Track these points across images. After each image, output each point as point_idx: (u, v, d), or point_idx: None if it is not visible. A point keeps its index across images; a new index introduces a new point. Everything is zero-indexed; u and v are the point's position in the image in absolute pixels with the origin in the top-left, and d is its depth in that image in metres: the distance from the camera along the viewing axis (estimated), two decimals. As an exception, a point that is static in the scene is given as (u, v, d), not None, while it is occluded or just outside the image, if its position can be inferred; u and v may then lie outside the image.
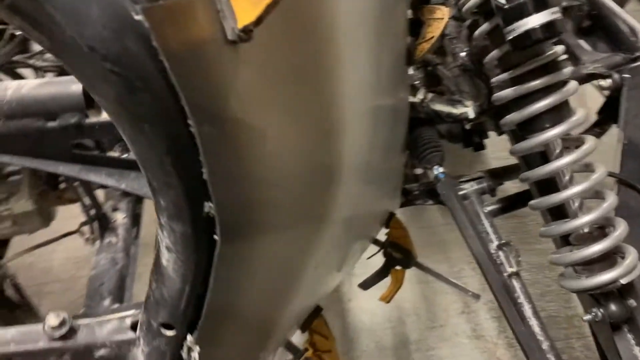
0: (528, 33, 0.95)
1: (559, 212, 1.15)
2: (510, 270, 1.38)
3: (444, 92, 1.54)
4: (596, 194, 1.12)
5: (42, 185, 1.64)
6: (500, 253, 1.41)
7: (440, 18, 1.28)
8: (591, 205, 1.12)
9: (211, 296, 0.46)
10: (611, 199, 1.09)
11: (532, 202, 1.16)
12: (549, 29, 0.95)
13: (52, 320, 0.61)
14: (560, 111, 1.07)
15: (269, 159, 0.49)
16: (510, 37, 0.98)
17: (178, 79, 0.36)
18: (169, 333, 0.52)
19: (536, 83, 1.05)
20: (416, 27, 1.30)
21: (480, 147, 1.67)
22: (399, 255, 1.58)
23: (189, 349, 0.50)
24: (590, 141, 1.09)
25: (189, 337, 0.49)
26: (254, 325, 0.71)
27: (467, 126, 1.47)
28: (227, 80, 0.42)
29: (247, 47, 0.45)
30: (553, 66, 1.04)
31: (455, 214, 1.38)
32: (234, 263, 0.47)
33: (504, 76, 1.09)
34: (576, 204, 1.10)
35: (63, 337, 0.61)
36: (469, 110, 1.40)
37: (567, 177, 1.10)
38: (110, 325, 0.61)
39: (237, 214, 0.44)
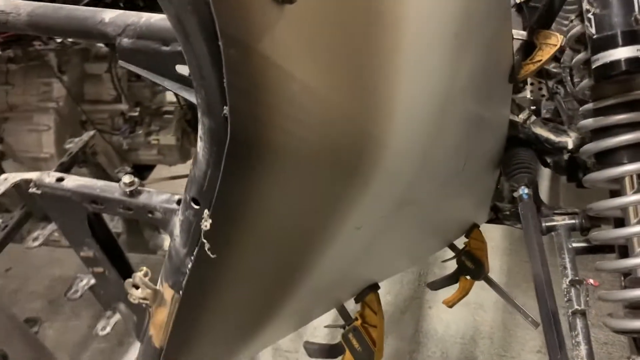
0: (611, 64, 0.99)
1: (621, 249, 1.15)
2: (577, 307, 1.38)
3: (553, 119, 1.57)
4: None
5: (187, 126, 1.96)
6: (572, 289, 1.41)
7: (554, 44, 1.33)
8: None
9: (220, 185, 0.63)
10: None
11: (595, 233, 1.17)
12: (633, 63, 0.97)
13: (126, 179, 0.84)
14: (638, 149, 1.08)
15: (291, 97, 0.64)
16: (594, 66, 1.02)
17: (217, 10, 0.53)
18: (195, 206, 0.70)
19: (618, 117, 1.07)
20: (530, 49, 1.36)
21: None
22: (471, 266, 1.63)
23: (204, 220, 0.68)
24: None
25: (206, 211, 0.67)
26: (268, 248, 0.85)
27: (566, 156, 1.49)
28: (263, 25, 0.58)
29: (293, 7, 0.61)
30: (637, 104, 1.05)
31: (526, 238, 1.40)
32: (239, 170, 0.63)
33: (589, 106, 1.12)
34: (637, 243, 1.10)
35: (130, 194, 0.83)
36: (569, 140, 1.42)
37: (635, 215, 1.11)
38: (163, 196, 0.82)
39: (247, 125, 0.60)
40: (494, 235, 2.42)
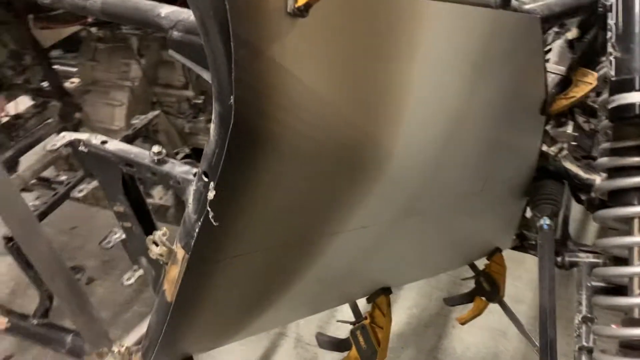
0: (626, 107, 1.03)
1: (620, 287, 1.17)
2: (584, 344, 1.41)
3: (591, 156, 1.58)
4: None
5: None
6: (584, 326, 1.43)
7: (589, 83, 1.36)
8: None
9: (224, 163, 0.75)
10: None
11: (596, 269, 1.20)
12: (647, 109, 1.01)
13: (155, 149, 0.98)
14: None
15: (296, 98, 0.75)
16: (610, 107, 1.06)
17: (232, 17, 0.64)
18: (205, 179, 0.82)
19: (632, 160, 1.10)
20: (567, 85, 1.40)
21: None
22: (487, 287, 1.67)
23: (210, 191, 0.80)
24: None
25: (212, 183, 0.79)
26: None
27: (593, 194, 1.50)
28: (275, 33, 0.69)
29: (306, 21, 0.72)
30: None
31: (539, 266, 1.43)
32: (241, 153, 0.74)
33: (607, 145, 1.16)
34: (638, 284, 1.12)
35: (157, 162, 0.97)
36: (597, 178, 1.44)
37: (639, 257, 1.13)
38: (184, 168, 0.96)
39: (250, 114, 0.71)
40: (530, 266, 2.42)
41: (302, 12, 0.71)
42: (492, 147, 1.27)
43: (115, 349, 1.32)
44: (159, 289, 1.05)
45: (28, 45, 2.07)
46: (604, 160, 1.15)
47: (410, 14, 0.86)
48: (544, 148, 1.50)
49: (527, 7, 1.13)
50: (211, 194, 0.78)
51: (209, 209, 0.80)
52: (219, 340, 1.33)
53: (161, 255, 0.95)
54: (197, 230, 0.86)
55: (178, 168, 0.96)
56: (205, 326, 1.18)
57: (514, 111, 1.28)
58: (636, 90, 1.01)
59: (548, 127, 1.52)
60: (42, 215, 1.43)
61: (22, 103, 2.48)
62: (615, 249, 1.18)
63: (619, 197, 1.14)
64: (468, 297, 1.71)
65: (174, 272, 0.98)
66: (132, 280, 1.17)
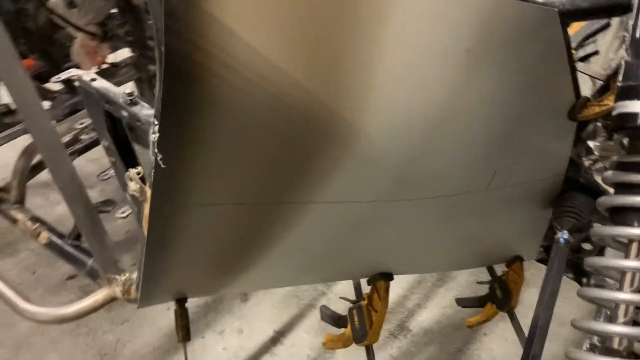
0: (627, 116, 0.94)
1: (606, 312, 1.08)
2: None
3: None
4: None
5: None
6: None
7: (628, 91, 1.24)
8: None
9: (162, 106, 0.81)
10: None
11: (583, 288, 1.11)
12: (647, 120, 0.92)
13: (127, 90, 1.06)
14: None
15: (236, 54, 0.77)
16: (612, 114, 0.97)
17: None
18: (156, 121, 0.88)
19: (634, 177, 1.00)
20: (605, 91, 1.29)
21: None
22: (500, 295, 1.60)
23: (154, 132, 0.86)
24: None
25: (156, 126, 0.85)
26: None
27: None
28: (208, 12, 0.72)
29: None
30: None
31: (544, 279, 1.35)
32: (174, 97, 0.78)
33: (616, 158, 1.06)
34: (623, 312, 1.03)
35: (128, 103, 1.06)
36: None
37: (631, 282, 1.03)
38: (150, 111, 1.03)
39: (181, 61, 0.74)
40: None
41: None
42: (500, 144, 1.21)
43: (121, 277, 1.45)
44: (139, 224, 1.14)
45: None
46: (609, 173, 1.06)
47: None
48: (578, 159, 1.40)
49: (543, -2, 1.05)
50: (155, 136, 0.84)
51: (156, 151, 0.87)
52: (207, 288, 1.41)
53: (135, 192, 1.03)
54: (152, 171, 0.92)
55: (145, 111, 1.04)
56: (187, 270, 1.26)
57: (531, 111, 1.20)
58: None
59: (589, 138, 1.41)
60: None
61: (122, 54, 2.73)
62: (606, 269, 1.08)
63: (620, 215, 1.05)
64: (480, 301, 1.65)
65: (146, 210, 1.06)
66: (125, 214, 1.28)
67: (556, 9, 1.04)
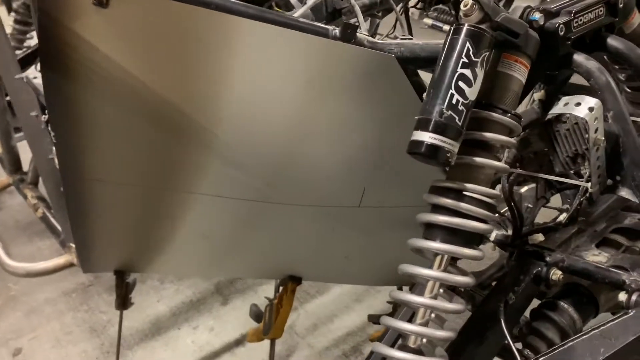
0: (416, 143, 1.12)
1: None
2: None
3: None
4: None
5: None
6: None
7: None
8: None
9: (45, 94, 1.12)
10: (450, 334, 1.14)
11: (393, 292, 1.24)
12: (428, 148, 1.09)
13: None
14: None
15: (93, 57, 1.07)
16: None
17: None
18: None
19: (441, 200, 1.17)
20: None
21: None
22: (399, 313, 1.74)
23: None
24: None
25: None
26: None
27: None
28: (77, 13, 1.02)
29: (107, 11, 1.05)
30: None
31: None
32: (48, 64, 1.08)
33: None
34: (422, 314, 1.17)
35: None
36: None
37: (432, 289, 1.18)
38: None
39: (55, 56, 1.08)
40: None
41: (102, 3, 1.05)
42: (366, 165, 1.39)
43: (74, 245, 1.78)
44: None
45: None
46: (425, 195, 1.23)
47: (214, 27, 1.11)
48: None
49: (383, 43, 1.26)
50: (45, 117, 1.16)
51: (49, 129, 1.19)
52: (136, 264, 1.69)
53: (59, 165, 1.36)
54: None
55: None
56: (109, 241, 1.55)
57: (395, 140, 1.38)
58: (428, 131, 1.10)
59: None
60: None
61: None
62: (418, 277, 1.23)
63: (427, 230, 1.20)
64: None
65: (66, 182, 1.38)
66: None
67: (393, 55, 1.24)
